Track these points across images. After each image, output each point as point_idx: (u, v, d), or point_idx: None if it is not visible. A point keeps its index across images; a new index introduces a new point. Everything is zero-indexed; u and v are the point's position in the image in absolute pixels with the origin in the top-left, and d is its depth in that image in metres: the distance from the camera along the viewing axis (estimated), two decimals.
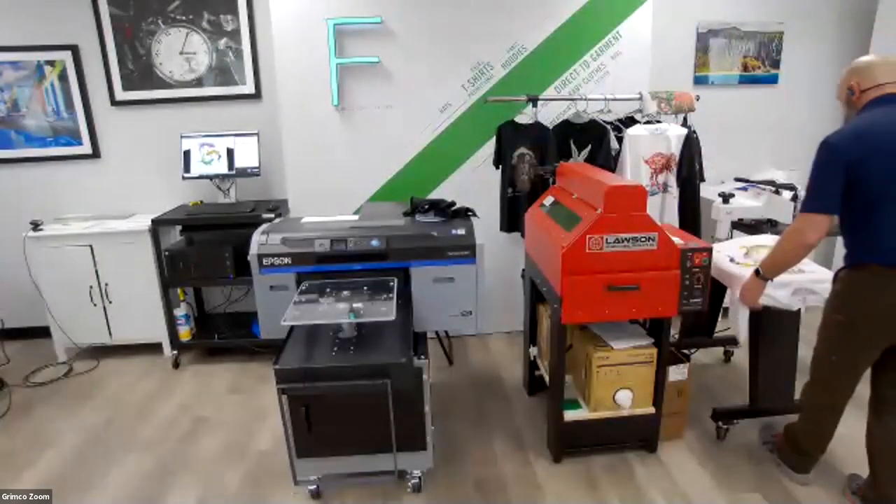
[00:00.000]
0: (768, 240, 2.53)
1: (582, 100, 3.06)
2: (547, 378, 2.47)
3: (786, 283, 2.14)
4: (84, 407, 2.89)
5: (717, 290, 2.55)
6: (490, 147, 3.19)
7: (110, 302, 3.27)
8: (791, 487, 2.15)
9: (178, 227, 3.44)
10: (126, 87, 3.43)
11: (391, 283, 2.16)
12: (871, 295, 1.73)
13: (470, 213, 2.43)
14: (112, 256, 3.20)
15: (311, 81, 3.12)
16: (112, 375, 3.21)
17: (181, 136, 3.35)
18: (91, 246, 3.18)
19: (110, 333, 3.33)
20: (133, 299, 3.27)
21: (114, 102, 3.45)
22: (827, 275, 2.17)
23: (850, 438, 2.28)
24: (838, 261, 1.94)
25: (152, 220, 3.17)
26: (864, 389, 1.99)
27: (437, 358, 3.18)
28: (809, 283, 2.16)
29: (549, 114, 3.21)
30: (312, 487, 2.12)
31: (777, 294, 2.12)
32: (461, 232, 2.25)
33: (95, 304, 3.26)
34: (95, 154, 3.52)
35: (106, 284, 3.24)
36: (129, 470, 2.37)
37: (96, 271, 3.22)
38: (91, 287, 3.23)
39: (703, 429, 2.51)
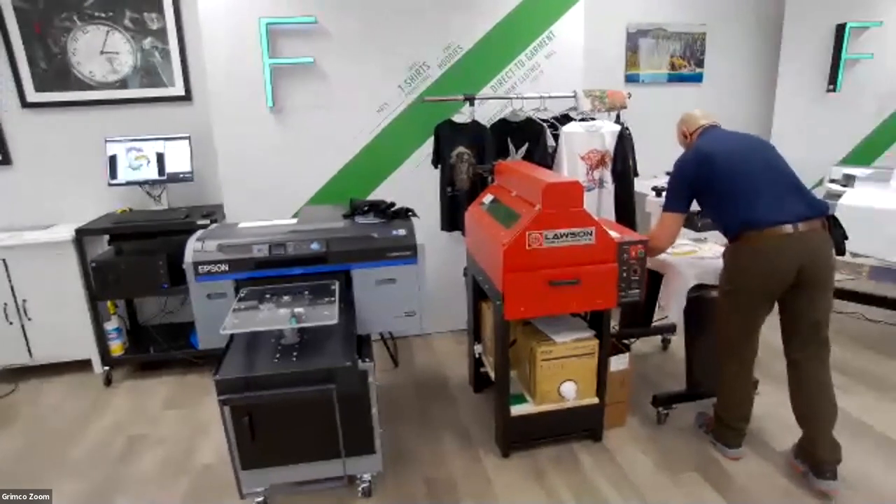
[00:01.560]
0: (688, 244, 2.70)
1: (518, 98, 3.11)
2: (492, 374, 2.50)
3: (714, 271, 2.28)
4: (2, 432, 2.68)
5: (653, 280, 2.65)
6: (428, 147, 3.18)
7: (29, 319, 3.05)
8: (726, 464, 2.26)
9: (106, 237, 3.25)
10: (39, 88, 3.20)
11: (333, 287, 2.12)
12: (749, 257, 2.05)
13: (410, 214, 2.42)
14: (30, 270, 2.99)
15: (243, 82, 3.03)
16: (35, 398, 3.00)
17: (105, 141, 3.17)
18: (4, 260, 2.96)
19: (30, 353, 3.11)
20: (56, 315, 3.05)
21: (25, 104, 3.22)
22: None
23: (775, 418, 2.44)
24: None
25: (76, 230, 2.99)
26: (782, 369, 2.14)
27: (382, 360, 3.16)
28: None
29: (486, 112, 3.24)
30: (260, 499, 2.06)
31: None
32: (402, 232, 2.24)
33: (11, 323, 3.04)
34: (5, 160, 3.27)
35: (24, 301, 3.02)
36: (58, 497, 2.22)
37: (11, 287, 2.99)
38: (6, 304, 3.01)
39: (644, 414, 2.61)
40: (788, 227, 1.96)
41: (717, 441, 2.33)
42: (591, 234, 2.09)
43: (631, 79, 4.03)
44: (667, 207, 2.22)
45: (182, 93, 3.36)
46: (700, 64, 4.13)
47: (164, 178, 3.20)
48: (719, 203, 2.12)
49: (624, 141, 3.12)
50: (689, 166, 2.16)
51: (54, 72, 3.21)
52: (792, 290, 2.02)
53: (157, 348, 3.24)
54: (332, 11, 3.03)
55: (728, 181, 2.06)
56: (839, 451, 2.05)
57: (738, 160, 2.07)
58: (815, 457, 2.06)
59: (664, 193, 2.27)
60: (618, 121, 3.22)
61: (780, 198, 2.01)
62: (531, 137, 3.09)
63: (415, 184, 3.26)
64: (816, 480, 2.04)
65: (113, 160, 3.16)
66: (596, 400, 2.36)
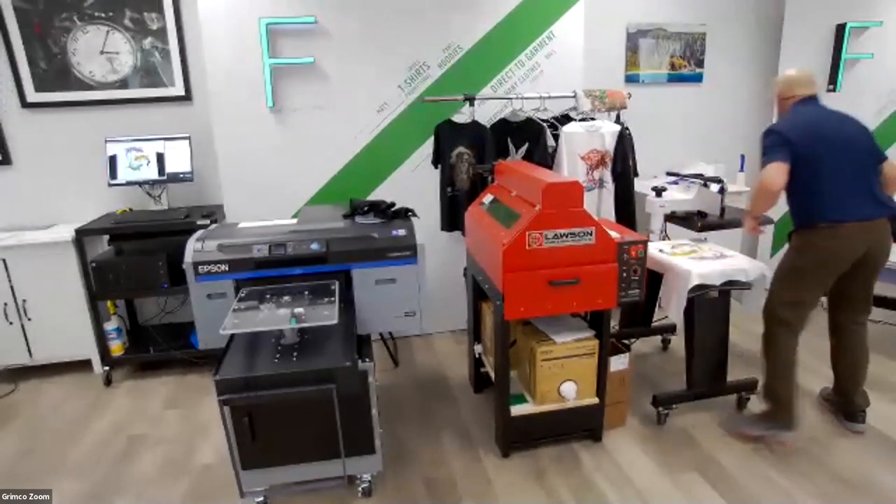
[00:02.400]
0: (688, 244, 2.72)
1: (518, 98, 3.11)
2: (492, 374, 2.50)
3: (715, 271, 2.28)
4: (2, 432, 2.68)
5: (653, 280, 2.65)
6: (428, 147, 3.19)
7: (29, 319, 3.05)
8: (726, 463, 2.26)
9: (106, 237, 3.25)
10: (39, 88, 3.20)
11: (333, 287, 2.13)
12: (822, 245, 2.21)
13: (410, 214, 2.42)
14: (30, 270, 2.99)
15: (244, 82, 3.02)
16: (35, 398, 3.00)
17: (105, 141, 3.17)
18: (4, 260, 2.96)
19: (30, 353, 3.11)
20: (56, 315, 3.06)
21: (25, 104, 3.22)
22: (749, 263, 2.43)
23: None
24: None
25: (76, 230, 2.99)
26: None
27: (382, 360, 3.16)
28: (732, 269, 2.39)
29: (486, 112, 3.24)
30: (260, 499, 2.06)
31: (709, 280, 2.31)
32: (402, 233, 2.24)
33: (11, 323, 3.04)
34: (5, 160, 3.27)
35: (24, 301, 3.02)
36: (57, 497, 2.22)
37: (11, 287, 2.99)
38: (6, 304, 3.01)
39: (644, 414, 2.61)
40: (862, 222, 2.17)
41: (772, 428, 2.33)
42: (591, 234, 2.08)
43: (631, 79, 4.03)
44: (768, 160, 2.17)
45: (182, 93, 3.36)
46: (700, 64, 4.13)
47: (164, 178, 3.20)
48: (798, 189, 2.20)
49: (624, 141, 3.12)
50: (787, 132, 2.18)
51: (54, 72, 3.21)
52: (853, 268, 2.23)
53: (157, 348, 3.24)
54: (332, 11, 3.03)
55: (812, 171, 2.15)
56: (868, 397, 2.45)
57: (828, 154, 2.15)
58: (852, 405, 2.43)
59: (761, 156, 2.24)
60: (618, 121, 3.22)
61: (859, 196, 2.17)
62: (531, 137, 3.09)
63: (415, 184, 3.26)
64: (850, 424, 2.44)
65: (113, 160, 3.16)
66: (596, 400, 2.36)
